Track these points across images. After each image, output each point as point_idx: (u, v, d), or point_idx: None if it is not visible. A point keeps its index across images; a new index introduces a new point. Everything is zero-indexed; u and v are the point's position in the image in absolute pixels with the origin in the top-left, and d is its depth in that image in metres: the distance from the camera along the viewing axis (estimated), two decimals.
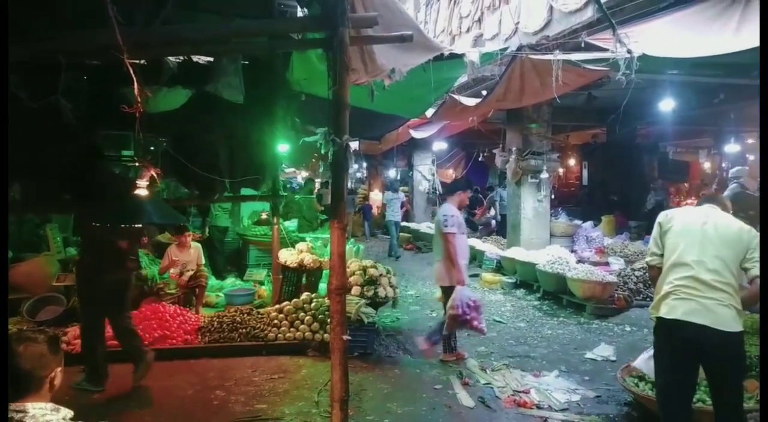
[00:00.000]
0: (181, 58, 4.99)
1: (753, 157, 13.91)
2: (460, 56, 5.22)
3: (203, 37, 3.41)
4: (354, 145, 15.20)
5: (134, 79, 2.88)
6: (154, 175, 4.23)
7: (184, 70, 4.98)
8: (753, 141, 13.92)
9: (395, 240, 12.64)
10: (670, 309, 2.97)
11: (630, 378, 4.18)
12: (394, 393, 4.43)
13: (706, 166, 17.99)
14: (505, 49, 5.60)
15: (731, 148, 12.84)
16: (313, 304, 5.50)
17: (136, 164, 6.20)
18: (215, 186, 6.07)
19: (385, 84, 4.12)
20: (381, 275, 6.00)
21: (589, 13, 6.26)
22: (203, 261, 6.70)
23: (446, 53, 4.95)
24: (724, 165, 14.65)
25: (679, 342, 2.97)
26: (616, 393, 4.43)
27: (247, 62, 5.34)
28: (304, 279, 6.47)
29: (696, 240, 3.01)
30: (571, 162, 19.86)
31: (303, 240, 7.37)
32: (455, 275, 4.93)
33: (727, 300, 2.88)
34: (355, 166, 19.58)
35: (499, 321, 6.62)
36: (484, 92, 7.57)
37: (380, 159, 18.41)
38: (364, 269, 5.98)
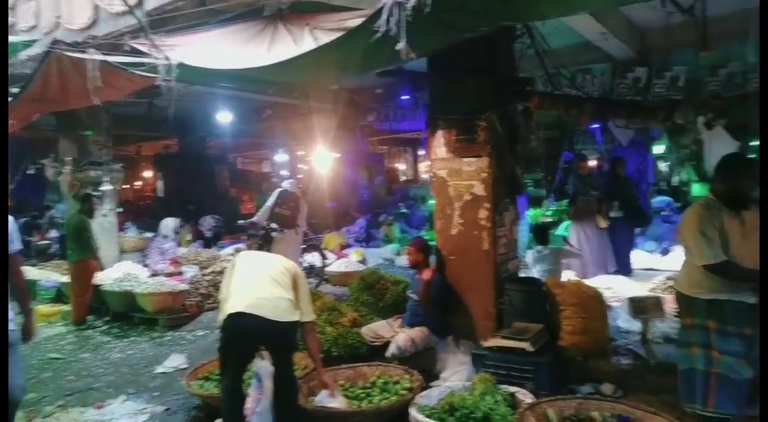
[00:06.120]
0: None
1: (304, 166, 16.60)
2: None
3: None
4: None
5: None
6: None
7: None
8: (302, 152, 16.60)
9: None
10: (235, 305, 3.26)
11: (195, 382, 4.22)
12: None
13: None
14: (32, 41, 4.82)
15: (281, 157, 14.91)
16: None
17: None
18: None
19: None
20: None
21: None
22: None
23: None
24: (281, 172, 16.95)
25: (243, 333, 3.25)
26: (186, 400, 4.39)
27: None
28: None
29: (258, 260, 3.61)
30: (147, 173, 19.27)
31: None
32: None
33: (284, 294, 3.33)
34: None
35: (57, 358, 5.67)
36: (16, 90, 6.38)
37: None
38: None
